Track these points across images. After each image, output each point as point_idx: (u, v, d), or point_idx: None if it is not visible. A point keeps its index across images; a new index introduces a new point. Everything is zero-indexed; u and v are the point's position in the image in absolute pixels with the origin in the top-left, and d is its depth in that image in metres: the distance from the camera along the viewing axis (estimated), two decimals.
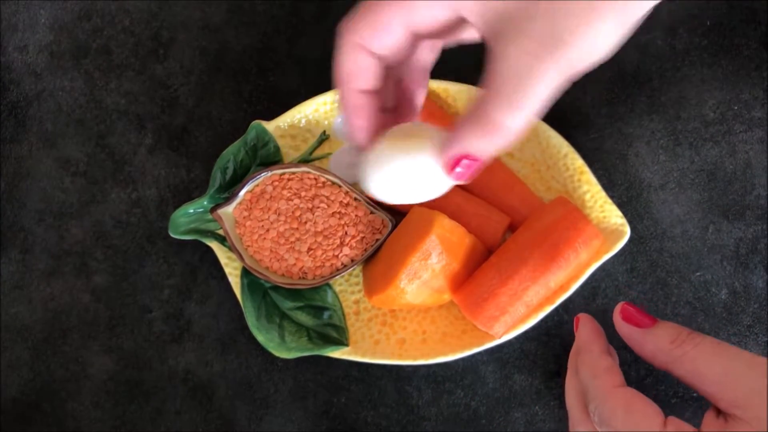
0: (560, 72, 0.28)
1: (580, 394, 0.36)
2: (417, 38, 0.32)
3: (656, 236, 0.49)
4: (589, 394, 0.34)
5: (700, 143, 0.50)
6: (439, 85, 0.47)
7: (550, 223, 0.43)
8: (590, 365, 0.35)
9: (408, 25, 0.30)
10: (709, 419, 0.31)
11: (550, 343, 0.48)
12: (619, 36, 0.28)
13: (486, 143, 0.29)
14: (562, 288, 0.45)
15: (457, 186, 0.44)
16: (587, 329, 0.37)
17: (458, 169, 0.31)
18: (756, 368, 0.30)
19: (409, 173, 0.33)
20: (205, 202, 0.48)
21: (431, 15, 0.30)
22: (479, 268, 0.45)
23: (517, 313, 0.44)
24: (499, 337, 0.44)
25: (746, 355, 0.31)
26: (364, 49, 0.32)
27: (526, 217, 0.46)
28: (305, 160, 0.48)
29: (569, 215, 0.43)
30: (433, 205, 0.45)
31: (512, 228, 0.47)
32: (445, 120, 0.48)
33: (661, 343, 0.33)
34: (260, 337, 0.46)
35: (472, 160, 0.30)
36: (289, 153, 0.48)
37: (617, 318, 0.36)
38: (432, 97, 0.48)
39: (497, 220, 0.46)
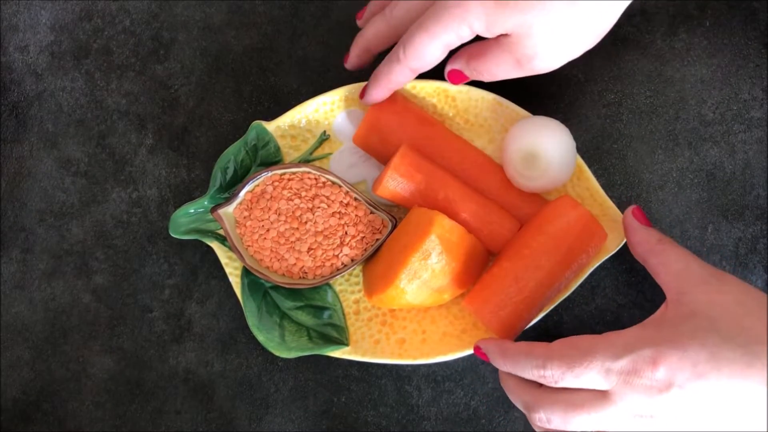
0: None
1: (522, 383, 0.39)
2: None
3: None
4: (537, 366, 0.37)
5: (700, 143, 0.50)
6: (439, 86, 0.47)
7: (564, 228, 0.43)
8: (516, 352, 0.39)
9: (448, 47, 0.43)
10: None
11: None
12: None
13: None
14: (563, 288, 0.45)
15: (471, 190, 0.46)
16: (490, 343, 0.41)
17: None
18: (706, 270, 0.37)
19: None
20: (206, 202, 0.48)
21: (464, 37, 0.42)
22: (490, 274, 0.45)
23: (531, 319, 0.44)
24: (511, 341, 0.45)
25: (705, 264, 0.38)
26: (412, 72, 0.44)
27: (528, 214, 0.46)
28: (305, 160, 0.48)
29: (582, 219, 0.44)
30: (447, 211, 0.45)
31: None
32: (441, 123, 0.48)
33: (651, 237, 0.40)
34: (260, 337, 0.46)
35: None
36: (290, 153, 0.49)
37: (628, 211, 0.43)
38: (430, 98, 0.48)
39: (508, 227, 0.46)
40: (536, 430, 0.39)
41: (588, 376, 0.35)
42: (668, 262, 0.39)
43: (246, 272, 0.47)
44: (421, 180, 0.45)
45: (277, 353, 0.46)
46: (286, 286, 0.46)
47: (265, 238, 0.47)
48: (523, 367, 0.38)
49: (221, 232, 0.48)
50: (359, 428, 0.49)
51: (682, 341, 0.34)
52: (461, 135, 0.48)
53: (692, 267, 0.38)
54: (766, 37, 0.50)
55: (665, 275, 0.38)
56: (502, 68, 0.42)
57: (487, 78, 0.44)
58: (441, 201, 0.45)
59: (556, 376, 0.36)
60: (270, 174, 0.47)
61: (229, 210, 0.47)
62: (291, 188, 0.47)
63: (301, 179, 0.47)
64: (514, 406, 0.47)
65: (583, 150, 0.50)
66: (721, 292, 0.36)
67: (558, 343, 0.37)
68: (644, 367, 0.34)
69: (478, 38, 0.42)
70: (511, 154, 0.45)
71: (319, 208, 0.47)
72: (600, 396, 0.35)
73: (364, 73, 0.51)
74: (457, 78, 0.45)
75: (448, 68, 0.45)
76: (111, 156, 0.51)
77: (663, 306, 0.38)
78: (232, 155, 0.48)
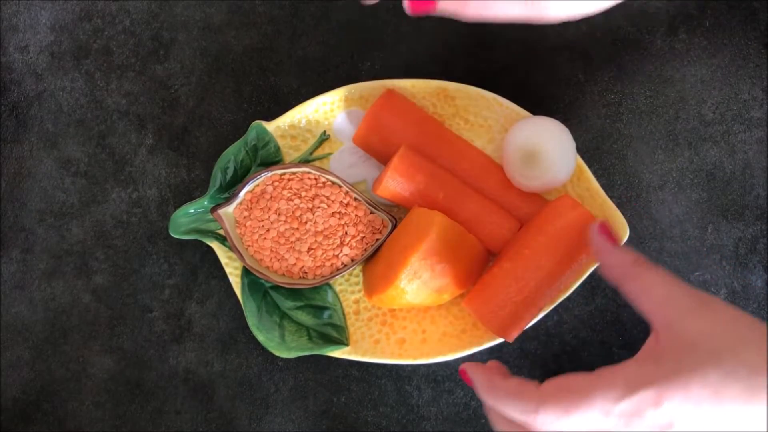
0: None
1: (511, 424, 0.37)
2: None
3: (655, 236, 0.49)
4: (523, 408, 0.35)
5: (700, 143, 0.50)
6: (439, 85, 0.47)
7: (564, 228, 0.44)
8: (505, 392, 0.36)
9: None
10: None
11: (549, 342, 0.48)
12: None
13: None
14: (563, 288, 0.45)
15: (471, 190, 0.46)
16: (478, 373, 0.38)
17: None
18: (692, 296, 0.34)
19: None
20: (206, 202, 0.48)
21: None
22: (490, 274, 0.45)
23: (531, 318, 0.44)
24: (511, 340, 0.45)
25: (688, 287, 0.35)
26: None
27: (528, 214, 0.46)
28: (305, 160, 0.48)
29: (582, 219, 0.44)
30: (447, 211, 0.45)
31: None
32: (440, 123, 0.48)
33: (625, 259, 0.37)
34: (260, 337, 0.46)
35: None
36: (290, 153, 0.49)
37: (594, 230, 0.39)
38: (429, 97, 0.48)
39: (508, 227, 0.46)
40: None
41: (586, 419, 0.33)
42: (648, 288, 0.35)
43: (246, 272, 0.47)
44: (421, 180, 0.45)
45: (277, 353, 0.46)
46: (286, 286, 0.46)
47: (265, 238, 0.47)
48: (511, 409, 0.35)
49: (221, 232, 0.48)
50: (359, 428, 0.49)
51: (684, 378, 0.32)
52: (461, 135, 0.48)
53: (676, 293, 0.35)
54: (766, 37, 0.50)
55: (647, 303, 0.35)
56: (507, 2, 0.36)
57: (483, 11, 0.36)
58: (441, 201, 0.45)
59: (549, 421, 0.34)
60: (270, 174, 0.47)
61: (229, 210, 0.47)
62: (291, 188, 0.47)
63: (301, 179, 0.47)
64: None
65: (583, 150, 0.50)
66: (714, 321, 0.34)
67: (550, 386, 0.35)
68: (647, 408, 0.32)
69: None
70: (511, 154, 0.45)
71: (319, 208, 0.47)
72: None
73: (364, 73, 0.51)
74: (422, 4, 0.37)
75: None
76: (111, 156, 0.51)
77: (653, 336, 0.36)
78: (232, 155, 0.48)
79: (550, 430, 0.34)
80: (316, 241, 0.46)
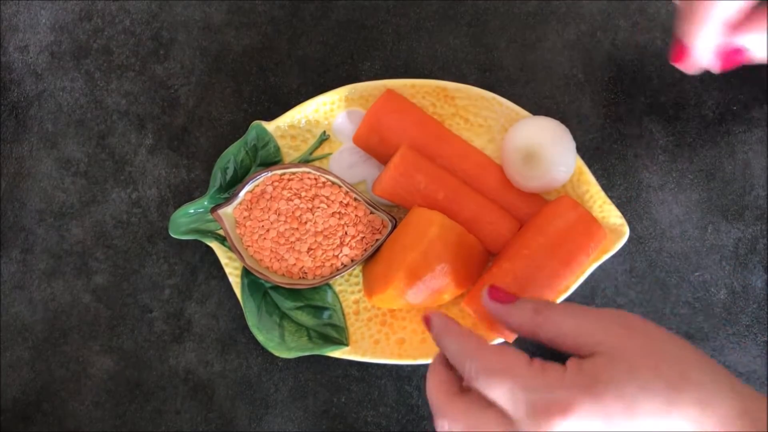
0: None
1: (441, 383, 0.37)
2: None
3: (655, 236, 0.49)
4: (463, 356, 0.36)
5: (699, 144, 0.50)
6: (439, 85, 0.47)
7: (564, 228, 0.44)
8: (457, 336, 0.37)
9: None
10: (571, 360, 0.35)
11: None
12: None
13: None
14: (563, 288, 0.45)
15: (471, 190, 0.46)
16: (439, 318, 0.39)
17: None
18: (601, 316, 0.35)
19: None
20: (206, 203, 0.48)
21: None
22: (490, 274, 0.45)
23: None
24: (511, 341, 0.45)
25: (592, 310, 0.36)
26: None
27: (528, 214, 0.46)
28: (305, 160, 0.48)
29: (582, 219, 0.44)
30: (447, 211, 0.45)
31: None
32: (440, 123, 0.48)
33: (525, 314, 0.37)
34: (260, 337, 0.46)
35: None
36: (290, 153, 0.49)
37: (484, 297, 0.39)
38: (428, 97, 0.48)
39: (508, 227, 0.46)
40: None
41: (497, 392, 0.34)
42: (558, 330, 0.36)
43: (246, 272, 0.47)
44: (421, 180, 0.45)
45: (277, 353, 0.46)
46: (286, 286, 0.46)
47: (264, 239, 0.47)
48: (452, 351, 0.37)
49: (221, 232, 0.48)
50: (359, 428, 0.49)
51: (598, 389, 0.32)
52: (461, 135, 0.48)
53: (585, 321, 0.35)
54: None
55: (564, 342, 0.35)
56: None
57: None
58: (441, 201, 0.45)
59: (472, 373, 0.35)
60: (270, 174, 0.47)
61: (228, 210, 0.47)
62: (291, 188, 0.47)
63: (301, 179, 0.47)
64: None
65: (583, 150, 0.50)
66: (630, 337, 0.34)
67: (495, 346, 0.36)
68: (556, 411, 0.32)
69: None
70: (510, 154, 0.45)
71: (318, 208, 0.47)
72: (506, 423, 0.34)
73: (364, 73, 0.51)
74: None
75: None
76: (111, 156, 0.51)
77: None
78: (232, 155, 0.48)
79: (472, 384, 0.35)
80: (315, 241, 0.46)
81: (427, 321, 0.40)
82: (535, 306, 0.37)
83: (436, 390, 0.37)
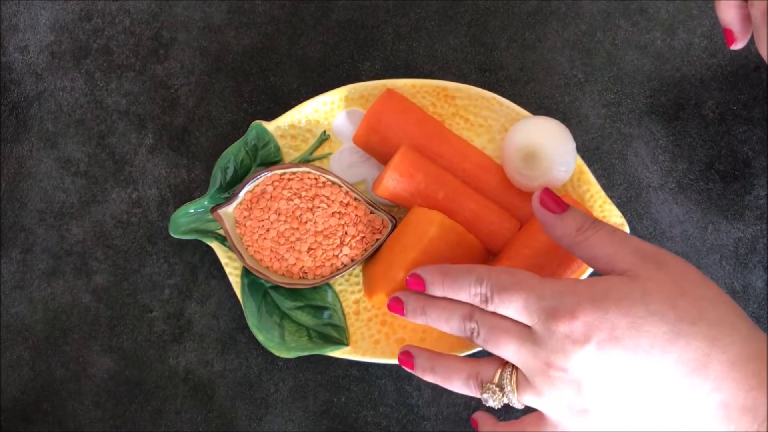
0: None
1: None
2: None
3: (655, 236, 0.49)
4: (475, 282, 0.37)
5: (700, 143, 0.50)
6: (439, 85, 0.47)
7: None
8: (459, 270, 0.39)
9: None
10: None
11: None
12: None
13: None
14: None
15: (471, 190, 0.46)
16: (431, 268, 0.40)
17: None
18: (642, 249, 0.36)
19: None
20: (206, 202, 0.48)
21: None
22: None
23: None
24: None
25: (635, 240, 0.36)
26: None
27: (528, 214, 0.46)
28: (305, 160, 0.48)
29: None
30: (447, 211, 0.45)
31: None
32: (440, 122, 0.48)
33: (568, 229, 0.37)
34: (260, 337, 0.46)
35: None
36: (290, 153, 0.49)
37: (536, 203, 0.39)
38: (428, 97, 0.48)
39: (508, 227, 0.46)
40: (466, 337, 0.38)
41: (512, 306, 0.36)
42: (595, 252, 0.36)
43: (246, 272, 0.47)
44: (421, 180, 0.45)
45: (277, 353, 0.46)
46: (286, 286, 0.46)
47: (265, 238, 0.47)
48: (461, 283, 0.38)
49: (221, 232, 0.48)
50: (359, 428, 0.49)
51: (606, 304, 0.33)
52: (461, 135, 0.48)
53: (621, 250, 0.36)
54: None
55: (596, 266, 0.37)
56: None
57: None
58: (441, 201, 0.45)
59: (487, 295, 0.36)
60: (270, 174, 0.47)
61: (229, 210, 0.47)
62: (291, 188, 0.47)
63: (301, 179, 0.47)
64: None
65: (583, 150, 0.50)
66: (660, 271, 0.35)
67: (501, 268, 0.37)
68: (563, 315, 0.34)
69: None
70: (510, 154, 0.45)
71: (319, 208, 0.47)
72: (524, 329, 0.35)
73: (364, 73, 0.51)
74: None
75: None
76: (111, 156, 0.51)
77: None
78: (232, 155, 0.48)
79: (488, 307, 0.37)
80: (316, 241, 0.46)
81: (417, 279, 0.40)
82: (580, 224, 0.37)
83: (458, 305, 0.39)
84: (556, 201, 0.38)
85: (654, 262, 0.35)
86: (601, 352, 0.33)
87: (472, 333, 0.37)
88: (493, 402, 0.37)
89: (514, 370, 0.37)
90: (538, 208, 0.39)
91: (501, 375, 0.37)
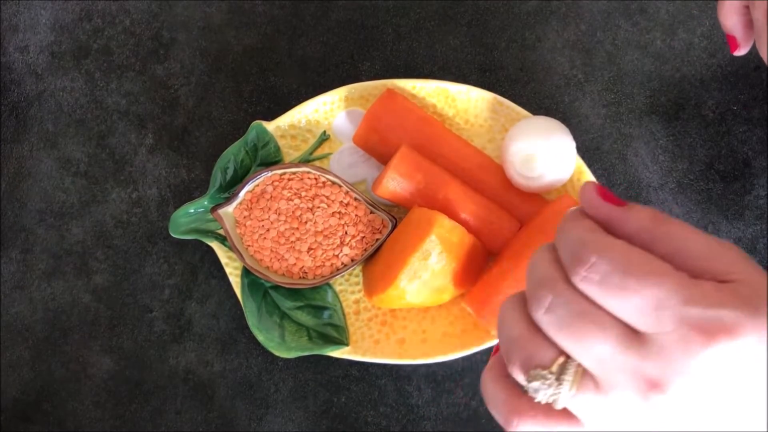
0: None
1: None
2: None
3: None
4: (595, 246, 0.29)
5: (700, 143, 0.50)
6: (439, 85, 0.47)
7: None
8: (575, 223, 0.31)
9: None
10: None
11: None
12: None
13: None
14: None
15: (471, 190, 0.46)
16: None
17: None
18: (727, 243, 0.30)
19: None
20: (206, 202, 0.48)
21: None
22: (490, 274, 0.45)
23: None
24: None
25: (714, 238, 0.30)
26: None
27: (528, 214, 0.46)
28: (305, 160, 0.48)
29: None
30: (447, 211, 0.45)
31: None
32: (440, 123, 0.48)
33: (644, 221, 0.30)
34: (260, 337, 0.46)
35: None
36: (290, 153, 0.49)
37: (595, 198, 0.31)
38: (428, 98, 0.48)
39: (508, 227, 0.46)
40: None
41: (635, 300, 0.27)
42: (683, 246, 0.29)
43: (246, 272, 0.47)
44: (421, 180, 0.45)
45: (277, 353, 0.46)
46: (286, 286, 0.46)
47: (265, 238, 0.47)
48: (573, 239, 0.30)
49: (221, 232, 0.48)
50: (359, 428, 0.49)
51: (763, 314, 0.26)
52: (461, 135, 0.48)
53: (715, 245, 0.29)
54: None
55: (685, 263, 0.29)
56: None
57: None
58: (441, 201, 0.45)
59: (602, 272, 0.28)
60: (270, 174, 0.47)
61: (229, 210, 0.47)
62: (291, 188, 0.47)
63: (301, 179, 0.47)
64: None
65: (583, 150, 0.50)
66: (756, 269, 0.29)
67: (623, 243, 0.29)
68: (719, 333, 0.26)
69: None
70: (511, 154, 0.45)
71: (319, 208, 0.47)
72: (629, 333, 0.27)
73: (364, 73, 0.51)
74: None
75: None
76: (111, 156, 0.51)
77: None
78: (232, 155, 0.48)
79: (595, 286, 0.28)
80: (316, 241, 0.46)
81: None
82: (651, 214, 0.30)
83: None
84: (612, 194, 0.32)
85: (745, 258, 0.29)
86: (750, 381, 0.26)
87: (538, 304, 0.29)
88: (543, 394, 0.28)
89: (580, 365, 0.28)
90: (600, 204, 0.31)
91: (564, 364, 0.28)
